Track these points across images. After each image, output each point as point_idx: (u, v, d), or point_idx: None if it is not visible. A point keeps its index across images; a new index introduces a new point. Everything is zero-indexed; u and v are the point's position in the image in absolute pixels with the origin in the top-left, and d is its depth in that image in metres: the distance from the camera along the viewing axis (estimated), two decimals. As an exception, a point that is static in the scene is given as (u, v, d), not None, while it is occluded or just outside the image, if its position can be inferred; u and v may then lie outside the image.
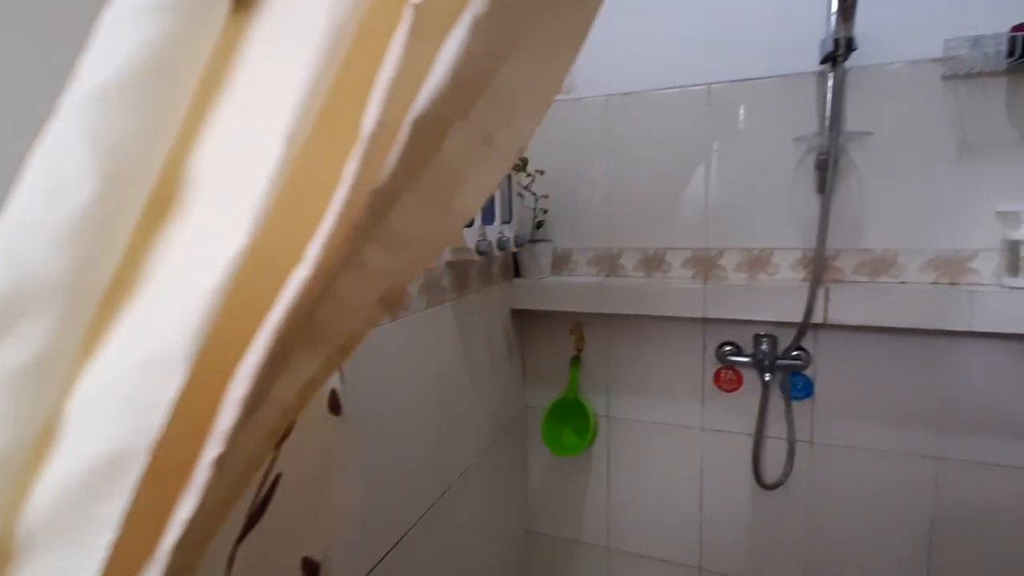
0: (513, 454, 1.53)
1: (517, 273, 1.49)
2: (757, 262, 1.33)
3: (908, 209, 1.20)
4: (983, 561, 1.21)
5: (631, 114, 1.41)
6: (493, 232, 1.17)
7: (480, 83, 0.25)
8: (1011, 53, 1.05)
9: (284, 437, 0.33)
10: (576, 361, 1.50)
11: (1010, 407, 1.16)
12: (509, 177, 1.26)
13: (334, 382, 0.39)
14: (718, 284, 1.30)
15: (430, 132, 0.24)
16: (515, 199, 1.33)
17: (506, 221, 1.25)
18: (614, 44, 1.41)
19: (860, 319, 1.18)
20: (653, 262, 1.42)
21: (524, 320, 1.56)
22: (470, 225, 1.07)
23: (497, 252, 1.18)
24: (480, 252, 1.10)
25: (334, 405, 0.39)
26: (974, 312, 1.09)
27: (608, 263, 1.47)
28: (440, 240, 0.30)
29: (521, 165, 1.27)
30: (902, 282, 1.22)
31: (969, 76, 1.14)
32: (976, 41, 1.09)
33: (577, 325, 1.50)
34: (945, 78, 1.15)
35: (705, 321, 1.37)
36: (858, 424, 1.27)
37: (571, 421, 1.50)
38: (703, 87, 1.34)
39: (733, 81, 1.32)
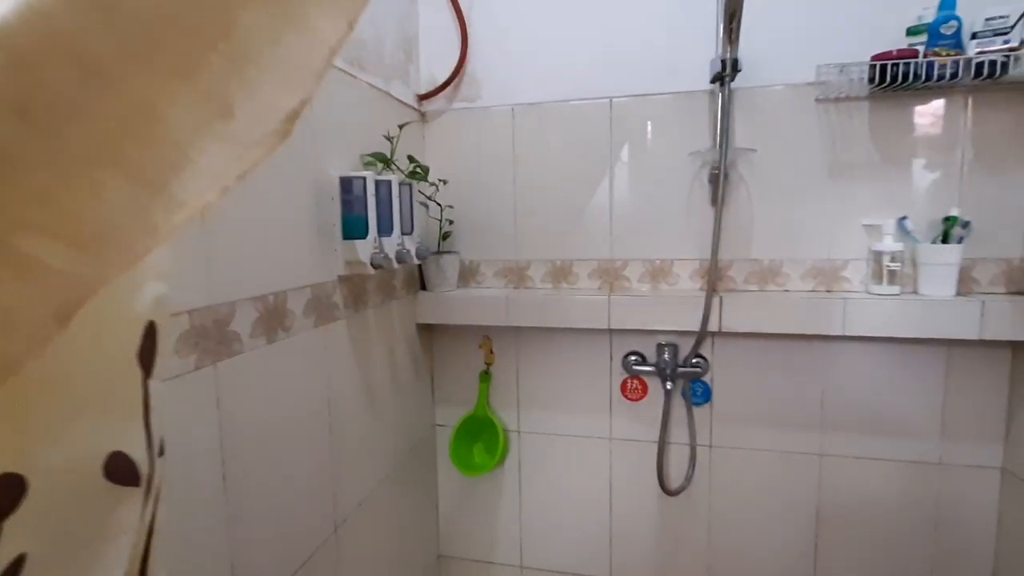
0: (422, 476, 1.46)
1: (423, 286, 1.43)
2: (659, 272, 1.37)
3: (790, 222, 1.28)
4: (861, 547, 1.30)
5: (537, 125, 1.40)
6: (392, 244, 1.10)
7: (211, 32, 0.19)
8: (872, 80, 1.15)
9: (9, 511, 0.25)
10: (486, 376, 1.46)
11: (879, 404, 1.26)
12: (410, 187, 1.20)
13: (122, 444, 0.32)
14: (622, 295, 1.31)
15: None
16: (417, 209, 1.27)
17: (407, 232, 1.19)
18: (520, 54, 1.39)
19: (750, 327, 1.24)
20: (560, 273, 1.42)
21: (432, 335, 1.50)
22: (362, 237, 1.01)
23: (396, 265, 1.11)
24: (375, 266, 1.03)
25: (119, 472, 0.31)
26: (846, 318, 1.17)
27: (516, 275, 1.45)
28: (148, 237, 0.22)
29: (422, 174, 1.21)
30: (786, 290, 1.29)
31: (838, 100, 1.24)
32: (843, 68, 1.18)
33: (486, 339, 1.46)
34: (818, 100, 1.24)
35: (611, 332, 1.38)
36: (751, 427, 1.33)
37: (481, 438, 1.45)
38: (605, 100, 1.36)
39: (634, 96, 1.35)
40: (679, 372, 1.33)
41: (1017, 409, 1.18)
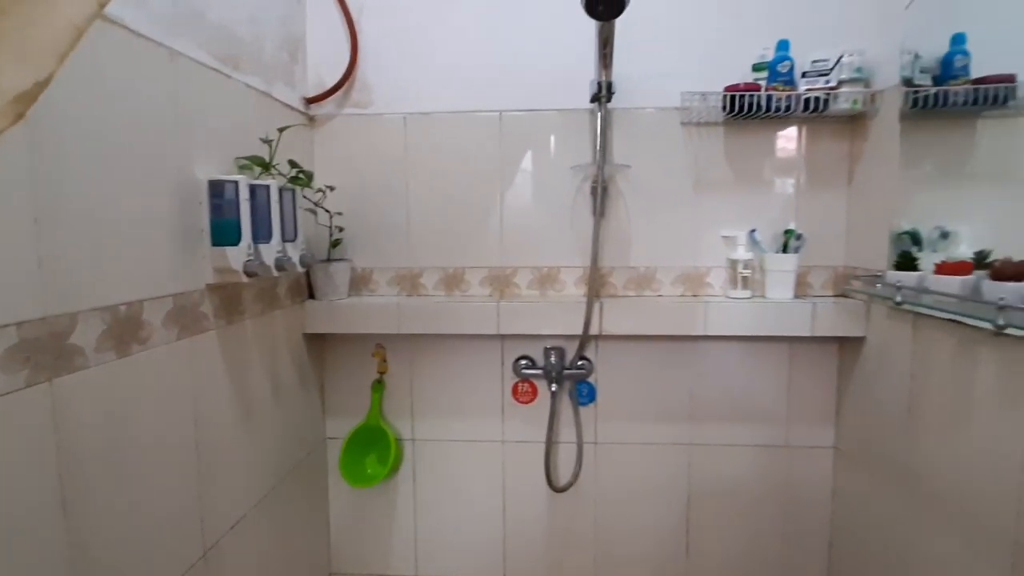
0: (311, 492, 1.40)
1: (312, 294, 1.38)
2: (547, 279, 1.43)
3: (662, 232, 1.40)
4: (724, 524, 1.44)
5: (430, 134, 1.42)
6: (270, 251, 1.06)
7: None
8: (725, 108, 1.29)
9: None
10: (379, 385, 1.44)
11: (737, 396, 1.41)
12: (293, 192, 1.17)
13: None
14: (512, 301, 1.36)
15: None
16: (301, 215, 1.23)
17: (289, 239, 1.15)
18: (413, 64, 1.40)
19: (629, 330, 1.33)
20: (453, 281, 1.44)
21: (322, 345, 1.46)
22: (234, 243, 0.96)
23: (276, 273, 1.07)
24: (250, 273, 0.98)
25: None
26: (708, 320, 1.30)
27: (409, 282, 1.45)
28: None
29: (305, 180, 1.18)
30: (660, 295, 1.41)
31: (699, 124, 1.38)
32: (703, 96, 1.32)
33: (380, 348, 1.45)
34: (683, 124, 1.38)
35: (502, 337, 1.42)
36: (631, 423, 1.43)
37: (374, 449, 1.43)
38: (496, 113, 1.41)
39: (522, 111, 1.41)
40: (565, 374, 1.40)
41: (843, 395, 1.37)
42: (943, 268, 0.94)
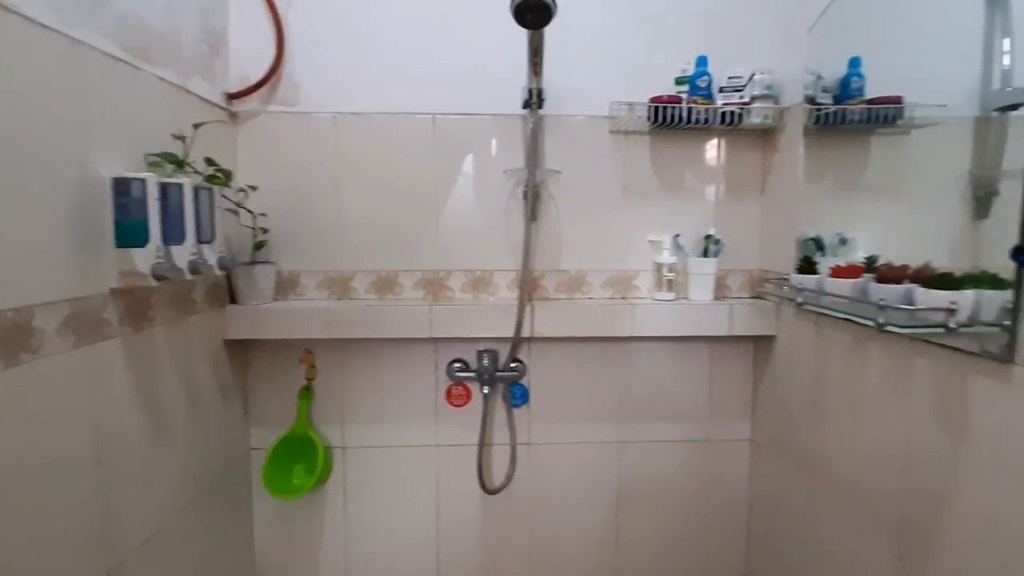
0: (232, 505, 1.34)
1: (233, 299, 1.32)
2: (480, 282, 1.44)
3: (592, 236, 1.44)
4: (651, 518, 1.50)
5: (362, 134, 1.39)
6: (183, 253, 1.01)
7: None
8: (650, 118, 1.35)
9: None
10: (306, 392, 1.39)
11: (663, 394, 1.48)
12: (210, 191, 1.11)
13: None
14: (445, 304, 1.35)
15: None
16: (219, 216, 1.18)
17: (206, 240, 1.09)
18: (344, 63, 1.37)
19: (560, 332, 1.36)
20: (385, 284, 1.42)
21: (246, 351, 1.39)
22: (141, 245, 0.90)
23: (190, 276, 1.02)
24: (159, 276, 0.93)
25: None
26: (635, 321, 1.35)
27: (340, 285, 1.41)
28: None
29: (223, 179, 1.13)
30: (591, 298, 1.45)
31: (627, 132, 1.43)
32: (630, 106, 1.37)
33: (308, 353, 1.40)
34: (612, 132, 1.42)
35: (436, 341, 1.41)
36: (564, 423, 1.46)
37: (301, 459, 1.38)
38: (429, 116, 1.40)
39: (457, 114, 1.41)
40: (498, 376, 1.41)
41: (758, 390, 1.47)
42: (837, 272, 1.03)
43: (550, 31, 1.15)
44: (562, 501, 1.48)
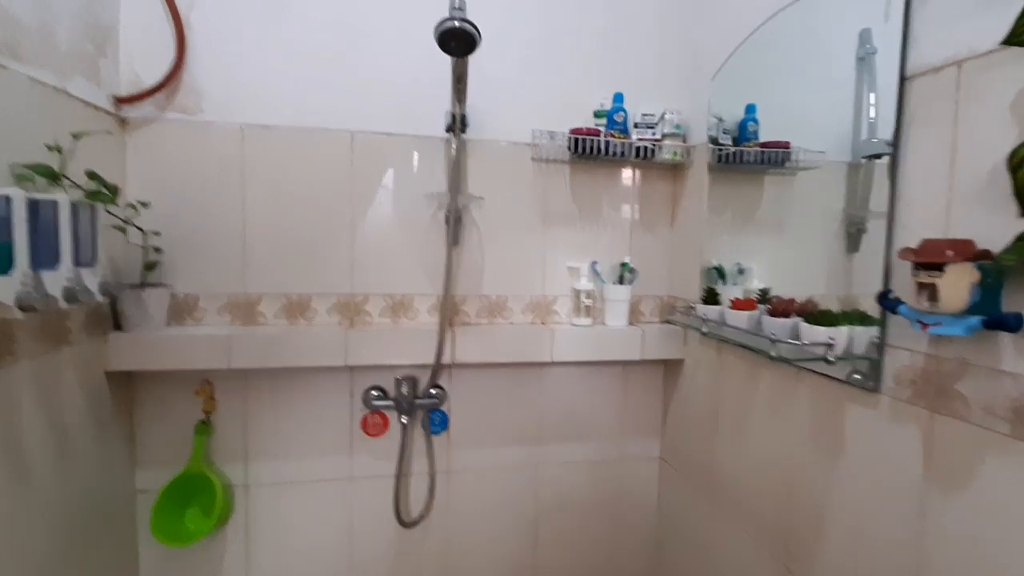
0: (112, 556, 1.19)
1: (119, 326, 1.18)
2: (400, 307, 1.40)
3: (513, 262, 1.45)
4: (566, 538, 1.53)
5: (272, 148, 1.31)
6: (57, 279, 0.88)
7: None
8: (570, 148, 1.39)
9: None
10: (203, 427, 1.27)
11: (579, 416, 1.52)
12: (91, 208, 0.99)
13: None
14: (362, 330, 1.30)
15: None
16: (105, 235, 1.05)
17: (86, 263, 0.97)
18: (253, 71, 1.28)
19: (481, 357, 1.35)
20: (297, 309, 1.34)
21: (131, 384, 1.25)
22: (2, 272, 0.78)
23: (64, 305, 0.90)
24: (25, 308, 0.81)
25: None
26: (554, 347, 1.38)
27: (244, 310, 1.31)
28: None
29: (109, 195, 1.01)
30: (511, 323, 1.46)
31: (548, 160, 1.46)
32: (551, 135, 1.41)
33: (206, 384, 1.28)
34: (533, 159, 1.45)
35: (351, 368, 1.35)
36: (483, 448, 1.46)
37: (196, 500, 1.26)
38: (347, 133, 1.35)
39: (376, 133, 1.36)
40: (417, 404, 1.37)
41: (668, 410, 1.55)
42: (736, 304, 1.11)
43: (474, 57, 1.15)
44: (480, 528, 1.46)
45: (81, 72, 1.08)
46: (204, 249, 1.28)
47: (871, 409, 0.86)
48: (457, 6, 1.20)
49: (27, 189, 0.86)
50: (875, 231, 0.87)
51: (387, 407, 1.37)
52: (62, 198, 0.90)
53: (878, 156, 0.90)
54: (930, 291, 0.68)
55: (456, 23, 1.06)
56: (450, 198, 1.35)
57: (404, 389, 1.36)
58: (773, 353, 0.91)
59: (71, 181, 0.95)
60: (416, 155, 1.39)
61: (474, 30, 1.07)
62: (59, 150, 0.92)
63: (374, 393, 1.37)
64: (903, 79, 0.82)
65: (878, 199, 0.88)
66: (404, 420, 1.35)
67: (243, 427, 1.32)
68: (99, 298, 1.00)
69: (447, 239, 1.37)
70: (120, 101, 1.21)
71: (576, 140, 1.37)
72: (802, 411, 1.01)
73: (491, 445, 1.46)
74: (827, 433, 0.95)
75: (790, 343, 0.91)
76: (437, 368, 1.33)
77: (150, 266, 1.20)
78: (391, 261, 1.38)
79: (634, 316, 1.50)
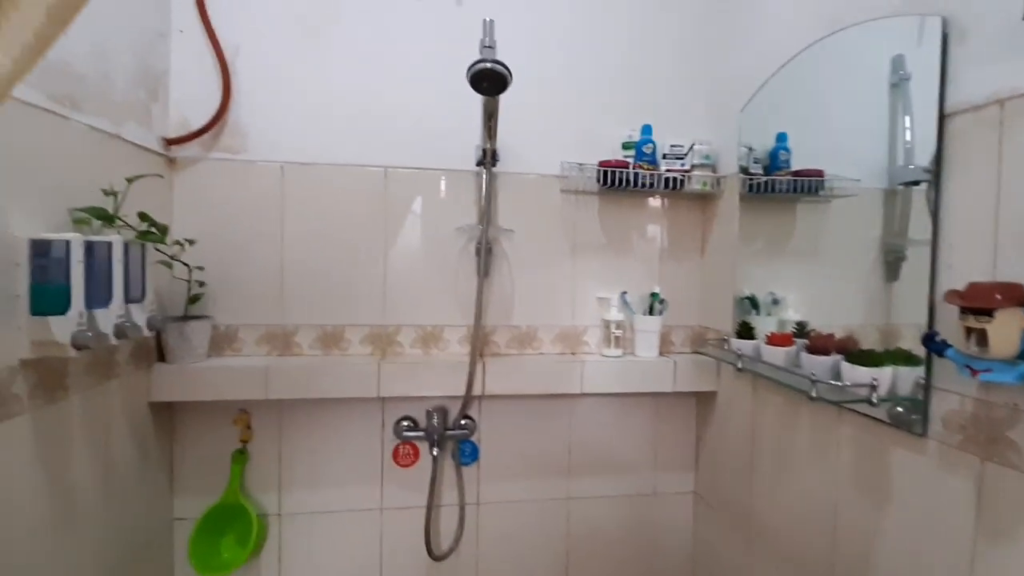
0: (151, 586, 1.21)
1: (162, 356, 1.23)
2: (431, 338, 1.41)
3: (542, 292, 1.46)
4: (599, 573, 1.49)
5: (310, 185, 1.35)
6: (108, 317, 0.93)
7: None
8: (599, 180, 1.40)
9: None
10: (240, 456, 1.30)
11: (611, 449, 1.49)
12: (142, 247, 1.04)
13: None
14: (393, 361, 1.32)
15: None
16: (158, 270, 1.10)
17: (135, 300, 1.02)
18: (294, 111, 1.34)
19: (511, 389, 1.36)
20: (331, 339, 1.37)
21: (173, 414, 1.29)
22: (61, 312, 0.83)
23: (115, 341, 0.94)
24: (79, 346, 0.85)
25: None
26: (584, 378, 1.37)
27: (282, 341, 1.35)
28: None
29: (158, 235, 1.06)
30: (541, 353, 1.46)
31: (577, 192, 1.48)
32: (580, 167, 1.42)
33: (243, 414, 1.32)
34: (562, 191, 1.47)
35: (383, 399, 1.37)
36: (513, 480, 1.45)
37: (232, 529, 1.28)
38: (380, 169, 1.39)
39: (409, 168, 1.40)
40: (448, 435, 1.38)
41: (701, 444, 1.52)
42: (772, 339, 1.09)
43: (505, 92, 1.17)
44: (510, 563, 1.45)
45: (134, 117, 1.15)
46: (245, 282, 1.32)
47: (919, 454, 0.83)
48: (487, 44, 1.24)
49: (84, 232, 0.92)
50: (915, 259, 0.85)
51: (418, 438, 1.38)
52: (116, 239, 0.95)
53: (916, 183, 0.88)
54: (979, 336, 0.66)
55: (488, 65, 1.09)
56: (480, 230, 1.37)
57: (435, 420, 1.37)
58: (813, 394, 0.89)
59: (124, 222, 1.00)
60: (447, 188, 1.42)
61: (505, 71, 1.10)
62: (114, 194, 0.97)
63: (405, 423, 1.38)
64: (942, 116, 0.81)
65: (917, 227, 0.86)
66: (435, 452, 1.35)
67: (278, 456, 1.34)
68: (146, 333, 1.04)
69: (478, 270, 1.39)
70: (169, 142, 1.28)
71: (605, 172, 1.38)
72: (845, 452, 0.98)
73: (521, 477, 1.45)
74: (872, 477, 0.92)
75: (831, 384, 0.89)
76: (467, 399, 1.34)
77: (194, 299, 1.25)
78: (422, 292, 1.41)
79: (665, 346, 1.48)
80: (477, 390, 1.32)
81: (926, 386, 0.82)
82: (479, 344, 1.35)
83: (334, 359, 1.33)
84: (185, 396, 1.21)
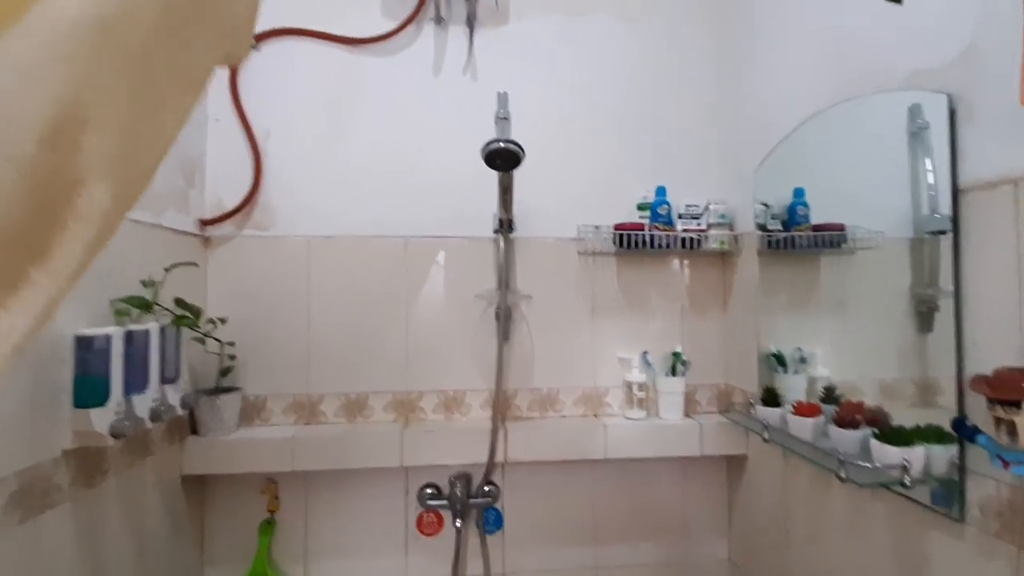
0: (179, 662, 1.22)
1: (194, 429, 1.27)
2: (453, 403, 1.43)
3: (563, 354, 1.46)
4: (636, 652, 1.43)
5: (334, 256, 1.41)
6: (145, 402, 0.98)
7: None
8: (615, 241, 1.42)
9: None
10: (267, 526, 1.32)
11: (639, 512, 1.45)
12: (178, 330, 1.10)
13: None
14: (417, 427, 1.33)
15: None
16: (192, 346, 1.16)
17: (170, 380, 1.07)
18: (318, 188, 1.41)
19: (534, 455, 1.35)
20: (355, 407, 1.39)
21: (203, 485, 1.32)
22: (100, 403, 0.87)
23: (150, 425, 0.98)
24: (117, 435, 0.89)
25: None
26: (608, 442, 1.35)
27: (308, 410, 1.38)
28: None
29: (192, 319, 1.12)
30: (563, 416, 1.45)
31: (594, 254, 1.49)
32: (596, 228, 1.44)
33: (270, 484, 1.34)
34: (580, 253, 1.48)
35: (407, 468, 1.38)
36: (539, 549, 1.42)
37: (259, 602, 1.29)
38: (401, 239, 1.44)
39: (428, 236, 1.45)
40: (471, 504, 1.37)
41: (733, 509, 1.46)
42: (799, 409, 1.06)
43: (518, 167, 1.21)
44: (538, 636, 1.40)
45: (174, 204, 1.23)
46: (273, 352, 1.37)
47: (956, 540, 0.79)
48: (502, 116, 1.29)
49: (124, 322, 0.98)
50: (949, 309, 0.82)
51: (442, 506, 1.37)
52: (153, 326, 1.00)
53: (942, 232, 0.86)
54: (1008, 427, 0.63)
55: (501, 144, 1.14)
56: (500, 296, 1.39)
57: (458, 488, 1.36)
58: (842, 475, 0.86)
59: (161, 307, 1.06)
60: (466, 255, 1.45)
61: (518, 149, 1.14)
62: (153, 284, 1.04)
63: (428, 491, 1.38)
64: (956, 190, 0.80)
65: (948, 277, 0.83)
66: (458, 523, 1.34)
67: (304, 526, 1.35)
68: (180, 412, 1.09)
69: (498, 335, 1.40)
70: (204, 223, 1.36)
71: (621, 236, 1.40)
72: (880, 532, 0.93)
73: (547, 545, 1.42)
74: (909, 558, 0.87)
75: (861, 465, 0.86)
76: (490, 466, 1.33)
77: (225, 371, 1.30)
78: (444, 357, 1.43)
79: (690, 406, 1.46)
80: (500, 457, 1.31)
81: (960, 468, 0.78)
82: (501, 408, 1.36)
83: (358, 427, 1.36)
84: (216, 469, 1.24)
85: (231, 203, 1.38)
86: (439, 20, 1.47)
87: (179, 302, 1.11)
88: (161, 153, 0.42)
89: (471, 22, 1.47)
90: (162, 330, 1.04)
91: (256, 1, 0.40)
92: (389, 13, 1.46)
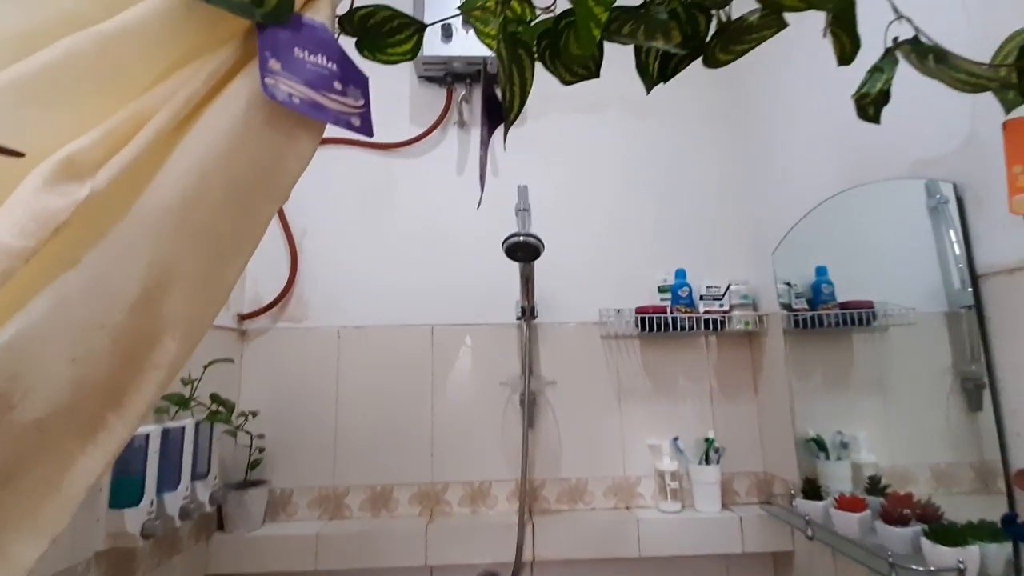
0: None
1: (220, 524, 1.27)
2: (478, 495, 1.39)
3: (590, 441, 1.43)
4: None
5: (363, 346, 1.45)
6: (176, 499, 0.99)
7: None
8: (637, 325, 1.42)
9: None
10: (288, 631, 1.27)
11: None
12: (211, 426, 1.13)
13: None
14: (442, 522, 1.29)
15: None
16: (223, 440, 1.19)
17: (201, 476, 1.09)
18: (349, 281, 1.49)
19: (563, 553, 1.28)
20: (380, 500, 1.37)
21: (227, 583, 1.30)
22: (134, 504, 0.89)
23: (179, 523, 0.99)
24: (148, 536, 0.90)
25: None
26: (642, 537, 1.28)
27: (333, 503, 1.36)
28: None
29: (225, 414, 1.15)
30: (593, 508, 1.39)
31: (618, 337, 1.50)
32: (618, 312, 1.45)
33: (293, 583, 1.30)
34: (603, 337, 1.49)
35: (432, 568, 1.32)
36: (573, 660, 1.31)
37: None
38: (427, 327, 1.48)
39: (453, 324, 1.48)
40: (499, 608, 1.29)
41: (784, 613, 1.34)
42: (842, 503, 1.00)
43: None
44: None
45: (216, 303, 1.31)
46: (300, 443, 1.38)
47: (1039, 659, 0.70)
48: (522, 207, 1.36)
49: (162, 419, 1.02)
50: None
51: (467, 609, 1.30)
52: (188, 423, 1.04)
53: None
54: (1069, 530, 0.59)
55: (521, 238, 1.19)
56: (524, 383, 1.39)
57: (484, 591, 1.30)
58: (894, 578, 0.79)
59: (197, 401, 1.11)
60: (490, 342, 1.47)
61: (537, 242, 1.19)
62: (192, 382, 1.09)
63: (454, 592, 1.31)
64: (975, 276, 0.80)
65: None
66: (485, 630, 1.27)
67: (325, 631, 1.30)
68: (208, 509, 1.10)
69: (523, 422, 1.39)
70: (242, 318, 1.43)
71: (643, 319, 1.41)
72: (951, 645, 0.84)
73: (581, 656, 1.31)
74: None
75: (913, 569, 0.79)
76: (518, 566, 1.27)
77: (255, 464, 1.31)
78: (469, 446, 1.41)
79: (728, 497, 1.38)
80: (527, 555, 1.26)
81: (1015, 568, 0.72)
82: (527, 501, 1.32)
83: (383, 523, 1.33)
84: (241, 568, 1.22)
85: (268, 296, 1.45)
86: (462, 124, 1.60)
87: (214, 398, 1.15)
88: (223, 301, 0.47)
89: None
90: (196, 426, 1.07)
91: (311, 154, 0.46)
92: (416, 120, 1.60)
